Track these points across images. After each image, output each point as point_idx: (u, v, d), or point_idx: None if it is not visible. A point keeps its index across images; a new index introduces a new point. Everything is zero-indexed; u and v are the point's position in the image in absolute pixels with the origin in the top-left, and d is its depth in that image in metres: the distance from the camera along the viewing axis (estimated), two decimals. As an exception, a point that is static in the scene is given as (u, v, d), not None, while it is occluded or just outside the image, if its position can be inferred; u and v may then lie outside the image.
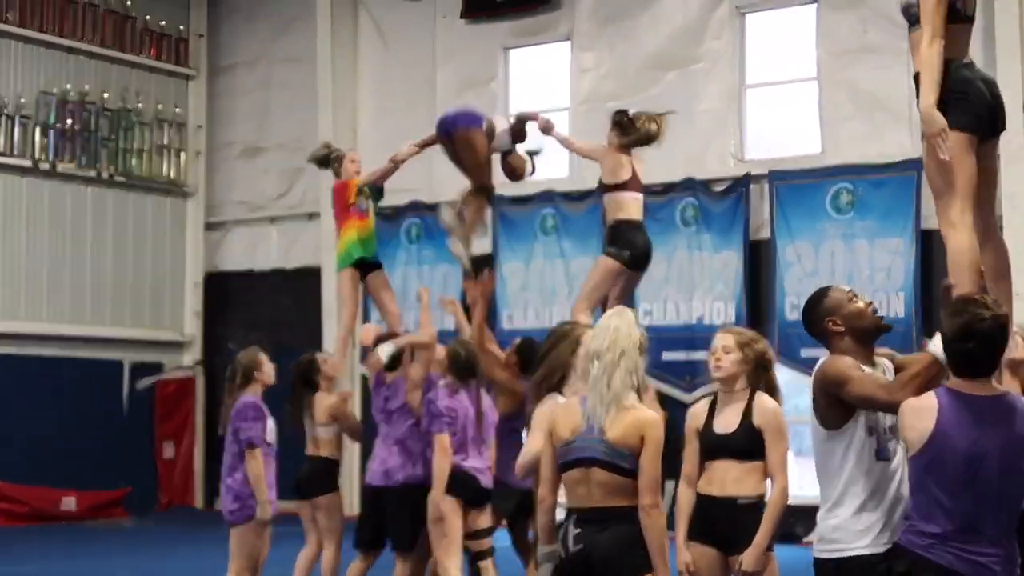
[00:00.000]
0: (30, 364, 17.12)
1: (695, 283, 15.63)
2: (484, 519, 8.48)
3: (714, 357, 6.04)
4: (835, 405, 4.88)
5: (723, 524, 5.88)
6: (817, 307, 5.17)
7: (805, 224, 15.06)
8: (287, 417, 9.10)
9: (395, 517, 8.68)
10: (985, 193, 5.44)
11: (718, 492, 5.92)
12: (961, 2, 5.49)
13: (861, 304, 5.15)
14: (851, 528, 4.82)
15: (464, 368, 8.34)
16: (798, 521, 14.27)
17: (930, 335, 13.19)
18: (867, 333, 5.06)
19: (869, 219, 14.72)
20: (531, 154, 10.16)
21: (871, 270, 14.65)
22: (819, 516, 4.97)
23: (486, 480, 8.35)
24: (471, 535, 8.44)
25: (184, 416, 18.78)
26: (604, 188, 9.34)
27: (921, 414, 4.45)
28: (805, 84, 15.66)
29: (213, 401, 18.67)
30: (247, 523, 8.09)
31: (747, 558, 5.73)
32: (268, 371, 8.40)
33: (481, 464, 8.38)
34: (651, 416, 5.31)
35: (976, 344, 4.43)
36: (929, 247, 14.27)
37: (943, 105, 5.26)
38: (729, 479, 5.93)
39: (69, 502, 16.93)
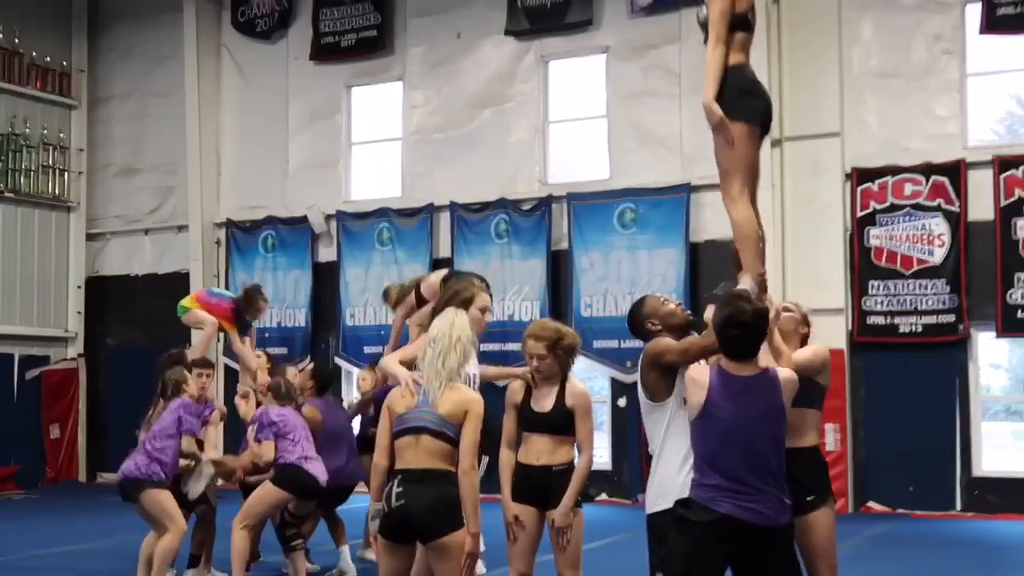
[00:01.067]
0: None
1: (507, 286, 15.84)
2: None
3: (532, 360, 6.06)
4: (659, 379, 5.20)
5: (539, 487, 5.99)
6: (638, 314, 5.56)
7: (597, 237, 15.47)
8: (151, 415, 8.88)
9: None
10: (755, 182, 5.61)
11: (535, 461, 6.01)
12: (751, 14, 5.53)
13: (672, 305, 5.57)
14: (673, 484, 5.08)
15: (285, 394, 8.56)
16: (592, 484, 14.93)
17: (695, 327, 13.98)
18: (679, 328, 5.43)
19: (648, 233, 15.17)
20: None
21: (649, 275, 15.09)
22: (649, 477, 5.30)
23: (324, 479, 8.47)
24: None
25: (68, 402, 18.45)
26: None
27: (697, 387, 4.81)
28: (597, 121, 16.06)
29: (94, 389, 18.64)
30: (153, 486, 8.00)
31: (557, 514, 5.87)
32: (193, 386, 8.42)
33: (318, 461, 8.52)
34: (475, 395, 5.44)
35: (739, 331, 4.75)
36: (696, 257, 14.97)
37: (735, 98, 5.34)
38: (545, 450, 6.01)
39: (-36, 479, 16.60)
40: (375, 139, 17.60)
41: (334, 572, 9.13)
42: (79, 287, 18.96)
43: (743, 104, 5.39)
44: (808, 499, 5.41)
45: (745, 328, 4.74)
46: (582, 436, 6.07)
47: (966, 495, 13.50)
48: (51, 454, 18.23)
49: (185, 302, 10.49)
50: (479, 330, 6.04)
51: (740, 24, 5.44)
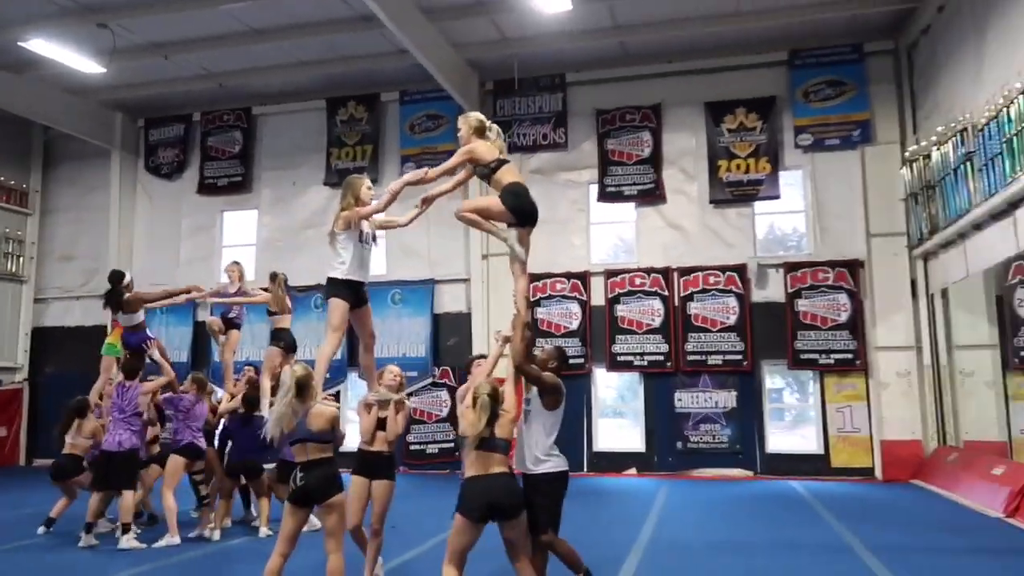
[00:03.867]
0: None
1: (321, 339, 15.16)
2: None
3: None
4: (554, 397, 5.01)
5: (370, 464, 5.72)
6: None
7: (378, 309, 14.28)
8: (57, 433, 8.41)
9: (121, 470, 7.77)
10: None
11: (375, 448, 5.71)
12: (504, 159, 5.23)
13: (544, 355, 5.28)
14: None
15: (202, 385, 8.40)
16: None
17: (439, 366, 13.90)
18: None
19: (409, 308, 15.13)
20: None
21: (410, 333, 15.03)
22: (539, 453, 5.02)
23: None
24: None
25: (14, 411, 16.64)
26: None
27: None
28: (379, 240, 15.97)
29: (33, 402, 16.87)
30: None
31: None
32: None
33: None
34: (330, 410, 5.08)
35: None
36: (437, 323, 15.08)
37: (515, 195, 5.02)
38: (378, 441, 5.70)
39: (-68, 465, 14.68)
40: (237, 244, 16.96)
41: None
42: (27, 334, 17.24)
43: None
44: None
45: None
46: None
47: (589, 462, 13.96)
48: None
49: (112, 340, 9.17)
50: (365, 203, 5.35)
51: (499, 164, 5.27)
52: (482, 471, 4.69)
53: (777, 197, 14.01)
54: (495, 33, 13.89)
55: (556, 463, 5.10)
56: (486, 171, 5.19)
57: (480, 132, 5.36)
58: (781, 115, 14.11)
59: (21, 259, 17.25)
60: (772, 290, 13.79)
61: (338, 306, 5.44)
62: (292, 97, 16.38)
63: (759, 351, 13.67)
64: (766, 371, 13.84)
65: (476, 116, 5.46)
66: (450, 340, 15.02)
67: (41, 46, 13.07)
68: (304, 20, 13.49)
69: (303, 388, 5.04)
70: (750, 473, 13.35)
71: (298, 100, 16.37)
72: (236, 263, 9.74)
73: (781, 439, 14.01)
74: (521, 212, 5.20)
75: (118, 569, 6.83)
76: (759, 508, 10.25)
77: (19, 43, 13.14)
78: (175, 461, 8.02)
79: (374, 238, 5.66)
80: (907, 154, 12.99)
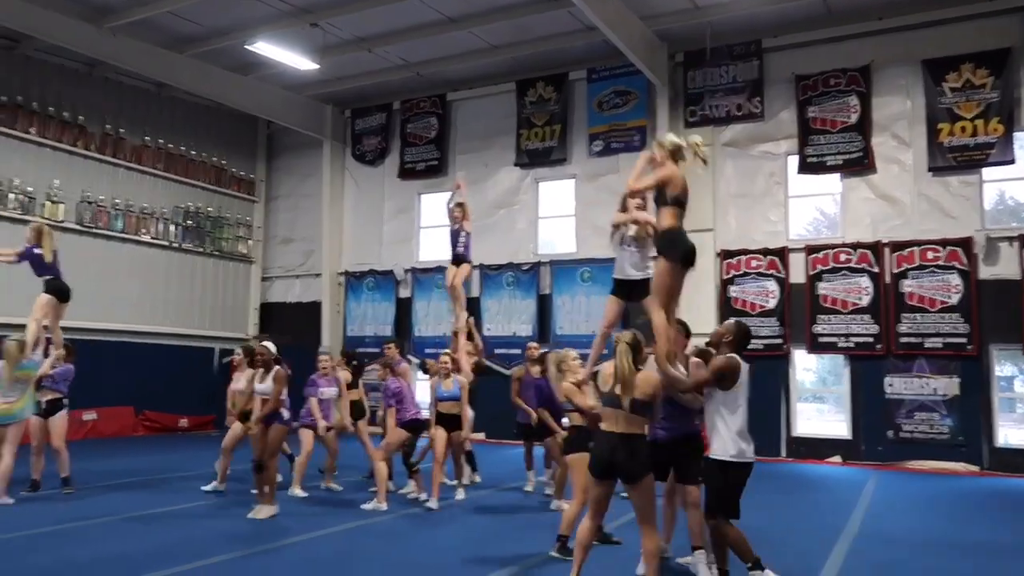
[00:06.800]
0: (170, 349, 16.75)
1: (512, 316, 15.74)
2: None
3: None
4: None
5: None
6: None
7: (567, 287, 15.29)
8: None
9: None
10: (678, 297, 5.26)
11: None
12: (684, 196, 5.18)
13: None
14: None
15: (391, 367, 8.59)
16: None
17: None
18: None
19: (598, 285, 14.80)
20: None
21: (599, 311, 14.33)
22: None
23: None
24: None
25: (247, 377, 18.42)
26: None
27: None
28: (568, 219, 15.84)
29: (262, 370, 18.50)
30: None
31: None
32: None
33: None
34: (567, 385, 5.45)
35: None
36: (626, 300, 14.91)
37: (671, 241, 5.07)
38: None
39: (184, 422, 16.48)
40: (434, 225, 17.55)
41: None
42: (255, 309, 18.90)
43: (672, 248, 5.16)
44: None
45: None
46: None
47: (788, 447, 13.28)
48: (235, 409, 18.14)
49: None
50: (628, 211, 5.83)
51: (677, 203, 5.21)
52: (611, 428, 4.48)
53: (1011, 162, 12.30)
54: (686, 2, 13.21)
55: (729, 449, 4.77)
56: (664, 200, 5.28)
57: (675, 156, 5.35)
58: (1017, 69, 12.32)
59: (250, 242, 18.92)
60: (1004, 266, 12.17)
61: (608, 300, 6.02)
62: (483, 81, 16.62)
63: (987, 334, 12.15)
64: (995, 356, 12.29)
65: (672, 140, 5.42)
66: (639, 318, 14.66)
67: (264, 48, 14.12)
68: (495, 4, 13.56)
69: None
70: (976, 468, 11.95)
71: (489, 84, 16.59)
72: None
73: (1013, 432, 12.41)
74: (680, 254, 5.25)
75: (331, 524, 7.25)
76: (986, 506, 9.16)
77: (245, 46, 14.27)
78: (398, 434, 8.29)
79: (634, 240, 5.94)
80: None
